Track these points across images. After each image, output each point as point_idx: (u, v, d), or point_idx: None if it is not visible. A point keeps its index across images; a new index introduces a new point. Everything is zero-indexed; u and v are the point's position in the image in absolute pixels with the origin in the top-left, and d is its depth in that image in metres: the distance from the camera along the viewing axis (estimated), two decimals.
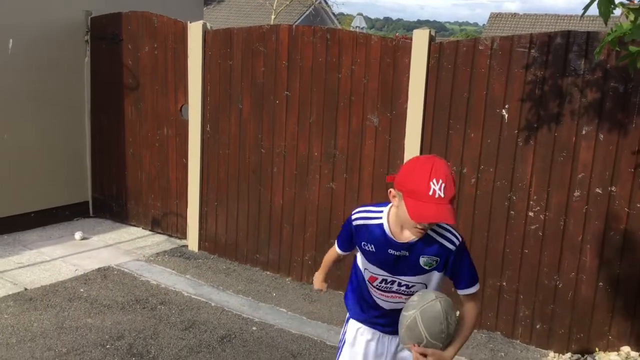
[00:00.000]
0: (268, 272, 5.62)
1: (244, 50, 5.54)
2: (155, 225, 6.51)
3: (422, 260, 2.35)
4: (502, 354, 4.39)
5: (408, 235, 2.33)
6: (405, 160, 4.83)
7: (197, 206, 6.03)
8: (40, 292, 4.92)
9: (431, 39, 4.64)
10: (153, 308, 4.79)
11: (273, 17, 20.12)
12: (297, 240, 5.47)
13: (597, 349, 4.26)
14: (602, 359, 4.11)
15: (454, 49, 4.56)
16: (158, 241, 6.28)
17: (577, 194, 4.23)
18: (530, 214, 4.40)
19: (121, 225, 6.68)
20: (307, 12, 26.38)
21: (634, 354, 4.09)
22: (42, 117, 6.33)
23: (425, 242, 2.32)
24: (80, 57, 6.58)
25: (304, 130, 5.29)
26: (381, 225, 2.37)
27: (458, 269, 2.36)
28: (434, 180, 2.11)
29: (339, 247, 2.72)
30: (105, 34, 6.45)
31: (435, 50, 4.62)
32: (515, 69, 4.33)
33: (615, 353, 4.15)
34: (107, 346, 4.17)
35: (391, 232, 2.36)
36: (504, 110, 4.41)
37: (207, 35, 5.74)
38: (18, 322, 4.43)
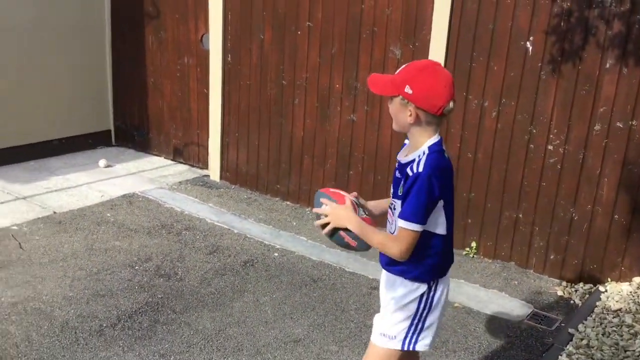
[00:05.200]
0: (288, 202, 5.75)
1: None
2: (177, 155, 6.62)
3: (401, 183, 2.32)
4: (516, 282, 4.53)
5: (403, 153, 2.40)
6: None
7: (218, 137, 6.12)
8: (69, 216, 5.09)
9: None
10: (178, 233, 4.95)
11: None
12: (317, 172, 5.57)
13: (609, 279, 4.39)
14: (613, 289, 4.24)
15: None
16: (180, 170, 6.41)
17: (597, 127, 4.26)
18: (550, 147, 4.45)
19: (143, 154, 6.80)
20: None
21: None
22: (64, 47, 6.36)
23: (407, 165, 2.30)
24: None
25: (325, 62, 5.30)
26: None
27: (405, 196, 2.26)
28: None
29: None
30: None
31: None
32: (542, 0, 4.29)
33: (627, 283, 4.27)
34: (136, 267, 4.36)
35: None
36: (528, 43, 4.39)
37: None
38: (49, 243, 4.61)
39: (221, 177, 6.23)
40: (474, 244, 4.88)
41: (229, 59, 5.87)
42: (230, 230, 5.10)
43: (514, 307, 4.19)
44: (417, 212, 2.20)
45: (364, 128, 5.25)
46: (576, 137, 4.35)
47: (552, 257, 4.59)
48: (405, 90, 2.22)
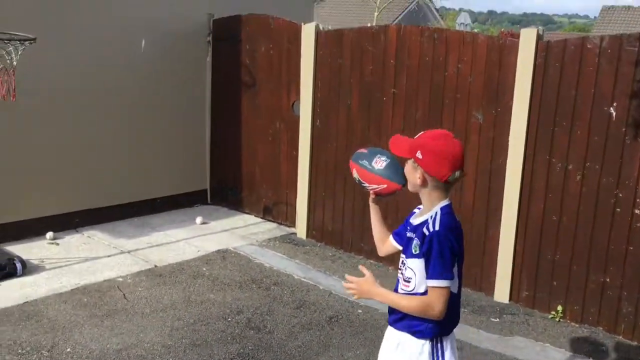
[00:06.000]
0: (372, 261, 5.92)
1: (354, 50, 5.86)
2: (267, 213, 6.98)
3: (414, 242, 2.47)
4: (604, 348, 4.45)
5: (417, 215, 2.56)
6: (509, 157, 4.97)
7: (305, 196, 6.43)
8: (169, 270, 5.48)
9: (539, 37, 4.75)
10: (267, 288, 5.22)
11: (376, 14, 20.34)
12: None
13: None
14: None
15: (562, 48, 4.64)
16: (269, 228, 6.75)
17: None
18: (637, 211, 4.42)
19: (236, 212, 7.21)
20: (409, 8, 26.35)
21: None
22: (168, 112, 6.95)
23: (421, 226, 2.46)
24: (203, 56, 7.15)
25: (409, 126, 5.53)
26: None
27: (427, 257, 2.40)
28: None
29: None
30: (226, 35, 6.98)
31: (543, 48, 4.72)
32: (624, 67, 4.37)
33: None
34: (229, 319, 4.63)
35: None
36: (611, 108, 4.46)
37: (319, 36, 6.10)
38: (150, 294, 4.99)
39: (308, 235, 6.50)
40: (560, 308, 4.84)
41: (318, 123, 6.22)
42: (316, 286, 5.31)
43: None
44: (444, 269, 2.36)
45: None
46: None
47: None
48: (417, 155, 2.44)
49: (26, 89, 5.38)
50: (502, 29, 29.05)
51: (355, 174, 2.77)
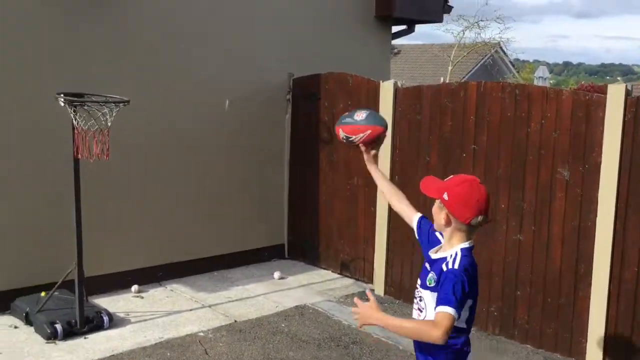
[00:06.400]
0: None
1: (432, 106, 5.87)
2: (344, 268, 6.95)
3: (429, 275, 2.65)
4: None
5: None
6: (598, 215, 4.78)
7: (383, 252, 6.38)
8: (248, 325, 5.51)
9: (627, 93, 4.62)
10: (346, 346, 5.15)
11: (450, 68, 20.41)
12: (482, 291, 5.53)
13: None
14: None
15: None
16: (346, 284, 6.70)
17: None
18: None
19: (313, 267, 7.22)
20: (483, 61, 26.28)
21: None
22: (248, 168, 7.13)
23: (440, 262, 2.62)
24: (282, 113, 7.35)
25: (490, 183, 5.43)
26: None
27: (439, 291, 2.53)
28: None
29: None
30: (305, 93, 7.16)
31: (632, 104, 4.58)
32: None
33: None
34: None
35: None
36: None
37: (398, 92, 6.16)
38: (231, 350, 5.01)
39: (385, 292, 6.41)
40: None
41: (396, 179, 6.21)
42: (395, 346, 5.19)
43: None
44: (452, 300, 2.46)
45: (531, 248, 5.22)
46: None
47: None
48: (443, 196, 2.63)
49: (114, 148, 5.68)
50: (582, 82, 28.50)
51: (341, 134, 3.11)
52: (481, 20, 23.64)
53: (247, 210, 7.19)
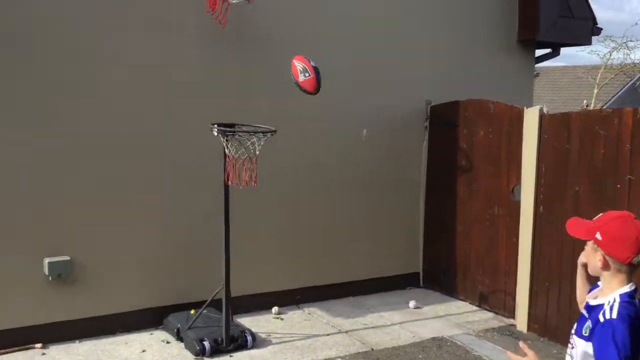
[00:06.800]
0: None
1: (582, 133, 5.57)
2: (483, 301, 6.72)
3: (586, 323, 2.41)
4: None
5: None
6: None
7: (526, 286, 6.09)
8: (385, 354, 5.48)
9: None
10: None
11: (595, 91, 19.31)
12: None
13: None
14: None
15: None
16: (485, 317, 6.47)
17: None
18: None
19: (449, 298, 7.05)
20: (631, 83, 24.57)
21: None
22: (385, 195, 7.15)
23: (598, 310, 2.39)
24: (419, 141, 7.31)
25: None
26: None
27: (596, 345, 2.32)
28: None
29: None
30: (443, 120, 7.09)
31: None
32: None
33: None
34: None
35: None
36: None
37: (543, 119, 5.91)
38: None
39: (529, 328, 6.10)
40: None
41: (541, 209, 5.94)
42: None
43: None
44: (614, 356, 2.23)
45: None
46: None
47: None
48: (596, 236, 2.39)
49: (261, 175, 5.96)
50: None
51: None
52: (630, 41, 22.18)
53: (382, 237, 7.19)
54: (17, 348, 5.25)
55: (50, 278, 5.36)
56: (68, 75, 5.36)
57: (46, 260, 5.35)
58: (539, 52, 8.38)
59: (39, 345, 5.34)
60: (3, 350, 5.18)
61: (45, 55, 5.26)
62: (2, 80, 5.13)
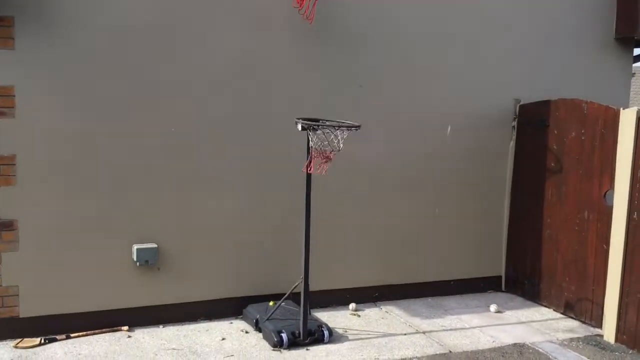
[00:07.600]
0: None
1: None
2: (568, 308, 6.45)
3: None
4: None
5: None
6: None
7: (616, 295, 5.79)
8: (463, 357, 5.36)
9: None
10: None
11: None
12: None
13: None
14: None
15: None
16: (570, 326, 6.21)
17: None
18: None
19: (532, 303, 6.82)
20: None
21: None
22: (470, 195, 6.98)
23: None
24: (505, 141, 7.09)
25: None
26: None
27: None
28: None
29: None
30: (532, 120, 6.84)
31: None
32: None
33: None
34: None
35: None
36: None
37: None
38: None
39: (617, 339, 5.80)
40: None
41: (635, 216, 5.63)
42: None
43: None
44: None
45: None
46: None
47: None
48: None
49: (345, 174, 5.99)
50: None
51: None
52: None
53: (463, 238, 7.03)
54: (105, 330, 5.51)
55: (138, 264, 5.58)
56: (164, 76, 5.57)
57: (135, 247, 5.57)
58: (637, 51, 7.95)
59: (125, 327, 5.58)
60: (92, 331, 5.44)
61: (142, 59, 5.47)
62: (107, 81, 5.38)
